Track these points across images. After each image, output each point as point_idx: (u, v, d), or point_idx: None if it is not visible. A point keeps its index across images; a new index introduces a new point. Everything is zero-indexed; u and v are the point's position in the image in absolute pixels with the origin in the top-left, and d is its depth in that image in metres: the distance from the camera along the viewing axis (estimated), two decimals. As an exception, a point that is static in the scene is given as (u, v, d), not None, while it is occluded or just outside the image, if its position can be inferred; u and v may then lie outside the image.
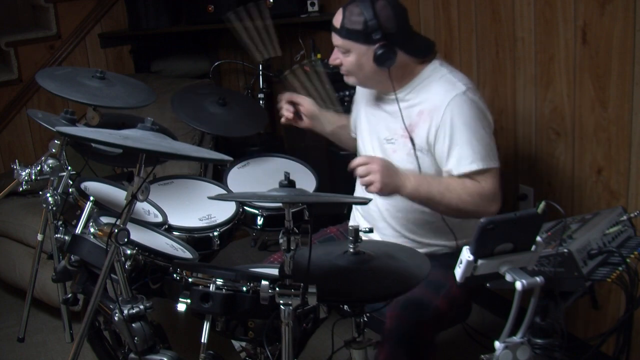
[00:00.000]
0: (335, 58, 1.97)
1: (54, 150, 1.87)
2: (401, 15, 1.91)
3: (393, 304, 1.81)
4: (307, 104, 2.19)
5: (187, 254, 1.86)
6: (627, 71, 2.06)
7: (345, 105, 2.58)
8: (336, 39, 1.93)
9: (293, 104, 2.20)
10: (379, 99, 2.06)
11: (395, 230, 2.02)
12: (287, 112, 2.20)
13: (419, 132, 1.91)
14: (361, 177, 1.76)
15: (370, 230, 1.68)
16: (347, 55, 1.93)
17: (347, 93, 2.73)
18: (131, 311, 1.57)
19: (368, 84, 2.04)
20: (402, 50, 1.89)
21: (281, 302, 1.39)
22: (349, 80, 2.01)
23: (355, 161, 1.78)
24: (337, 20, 1.92)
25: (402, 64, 1.91)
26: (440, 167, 1.91)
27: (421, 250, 1.89)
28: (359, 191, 2.15)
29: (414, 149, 1.92)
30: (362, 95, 2.17)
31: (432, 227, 1.98)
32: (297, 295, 1.38)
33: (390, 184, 1.77)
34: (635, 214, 1.53)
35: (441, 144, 1.87)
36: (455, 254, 1.31)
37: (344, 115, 2.32)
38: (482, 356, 1.29)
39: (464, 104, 1.86)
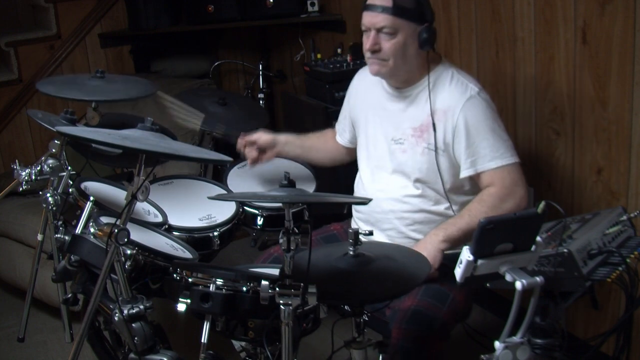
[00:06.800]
0: (375, 43, 1.88)
1: (54, 150, 1.87)
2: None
3: (399, 318, 1.79)
4: (259, 136, 2.19)
5: (187, 254, 1.86)
6: (627, 71, 2.05)
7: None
8: (383, 19, 1.84)
9: (251, 144, 2.20)
10: (384, 97, 2.04)
11: (399, 231, 2.01)
12: (249, 154, 2.20)
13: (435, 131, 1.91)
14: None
15: (370, 233, 1.69)
16: (392, 37, 1.86)
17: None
18: (131, 311, 1.57)
19: (399, 72, 1.94)
20: None
21: (281, 302, 1.39)
22: (383, 69, 1.92)
23: None
24: None
25: (426, 53, 1.92)
26: (459, 167, 1.92)
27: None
28: (359, 191, 2.14)
29: (434, 147, 1.91)
30: (362, 93, 2.14)
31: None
32: (297, 295, 1.38)
33: (430, 254, 1.78)
34: (635, 214, 1.53)
35: (458, 145, 1.89)
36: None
37: (305, 135, 2.31)
38: (482, 356, 1.29)
39: (479, 105, 1.88)
